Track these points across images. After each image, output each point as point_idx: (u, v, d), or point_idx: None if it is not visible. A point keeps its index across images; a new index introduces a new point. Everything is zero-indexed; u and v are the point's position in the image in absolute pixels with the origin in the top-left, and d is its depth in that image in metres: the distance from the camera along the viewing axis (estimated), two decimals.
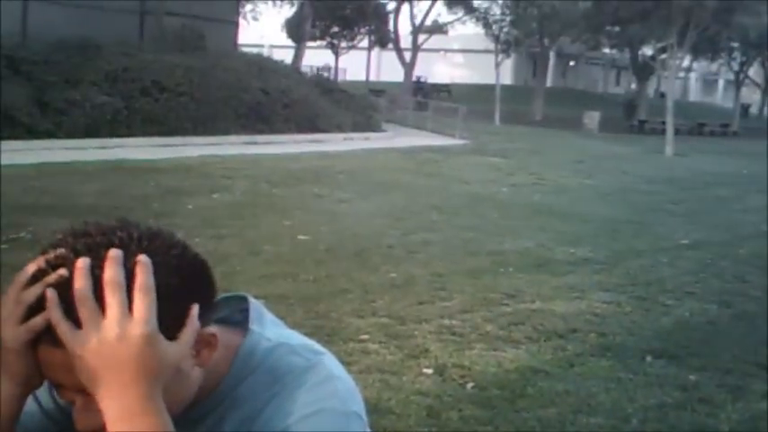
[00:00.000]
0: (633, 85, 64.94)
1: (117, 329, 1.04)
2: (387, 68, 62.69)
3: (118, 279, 1.06)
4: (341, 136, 26.86)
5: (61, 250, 1.10)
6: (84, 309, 1.04)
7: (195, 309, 1.13)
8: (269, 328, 1.32)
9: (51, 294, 1.06)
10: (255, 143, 22.72)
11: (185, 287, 1.13)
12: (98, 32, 22.73)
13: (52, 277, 1.08)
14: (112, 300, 1.05)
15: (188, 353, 1.13)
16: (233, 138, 22.66)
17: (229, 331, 1.27)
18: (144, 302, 1.06)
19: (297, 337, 1.34)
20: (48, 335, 1.07)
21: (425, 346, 6.57)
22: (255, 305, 1.35)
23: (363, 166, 19.76)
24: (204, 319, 1.15)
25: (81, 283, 1.05)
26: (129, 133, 20.71)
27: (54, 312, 1.05)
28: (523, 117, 45.94)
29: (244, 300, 1.36)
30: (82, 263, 1.06)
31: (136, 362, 1.05)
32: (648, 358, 6.64)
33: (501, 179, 19.28)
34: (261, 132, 24.02)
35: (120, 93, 21.31)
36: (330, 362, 1.29)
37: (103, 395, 1.05)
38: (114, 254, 1.07)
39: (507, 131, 36.39)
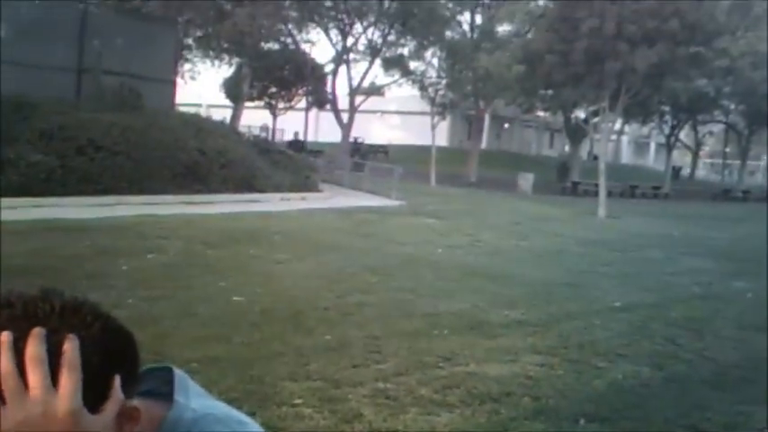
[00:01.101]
0: (566, 148, 65.89)
1: (41, 406, 1.02)
2: (324, 129, 62.97)
3: (40, 355, 1.03)
4: (278, 196, 26.81)
5: None
6: (9, 385, 1.02)
7: (117, 381, 1.11)
8: (194, 399, 1.30)
9: None
10: (192, 203, 22.55)
11: (108, 361, 1.11)
12: (35, 90, 22.58)
13: None
14: (35, 376, 1.03)
15: (110, 426, 1.11)
16: (169, 197, 22.48)
17: (155, 404, 1.26)
18: (70, 379, 1.04)
19: (222, 408, 1.32)
20: None
21: (359, 410, 6.53)
22: (180, 376, 1.33)
23: (300, 227, 19.73)
24: (127, 392, 1.13)
25: (4, 358, 1.03)
26: (64, 192, 20.44)
27: None
28: (459, 178, 46.33)
29: (169, 371, 1.34)
30: (5, 337, 1.04)
31: None
32: (582, 422, 6.66)
33: (436, 240, 19.34)
34: (198, 192, 23.88)
35: (55, 151, 21.08)
36: None
37: None
38: (37, 331, 1.05)
39: (443, 192, 36.63)
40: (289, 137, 56.53)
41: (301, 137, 51.89)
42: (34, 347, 1.04)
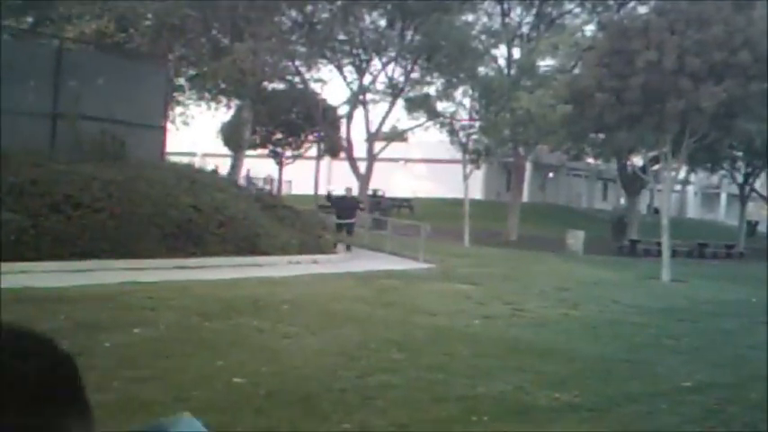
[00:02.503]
0: (622, 200, 65.83)
1: None
2: (338, 180, 63.21)
3: None
4: (285, 259, 26.81)
5: None
6: None
7: None
8: None
9: None
10: (185, 267, 22.56)
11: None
12: (3, 138, 22.68)
13: None
14: None
15: None
16: (159, 261, 22.48)
17: None
18: None
19: None
20: None
21: None
22: None
23: (312, 295, 19.68)
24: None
25: None
26: (37, 256, 20.42)
27: None
28: (496, 237, 46.34)
29: None
30: None
31: None
32: None
33: (472, 310, 19.27)
34: (192, 255, 23.88)
35: (26, 209, 21.10)
36: None
37: None
38: None
39: (478, 253, 36.58)
40: (297, 190, 56.49)
41: (354, 191, 48.82)
42: None
